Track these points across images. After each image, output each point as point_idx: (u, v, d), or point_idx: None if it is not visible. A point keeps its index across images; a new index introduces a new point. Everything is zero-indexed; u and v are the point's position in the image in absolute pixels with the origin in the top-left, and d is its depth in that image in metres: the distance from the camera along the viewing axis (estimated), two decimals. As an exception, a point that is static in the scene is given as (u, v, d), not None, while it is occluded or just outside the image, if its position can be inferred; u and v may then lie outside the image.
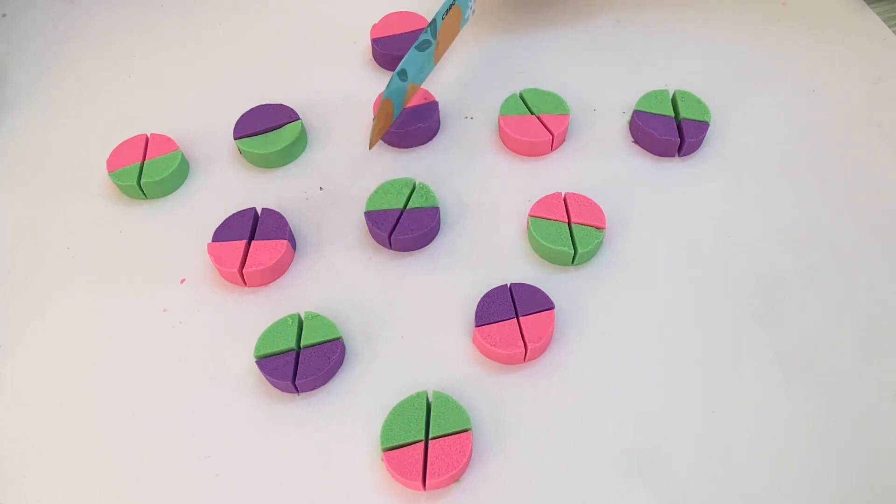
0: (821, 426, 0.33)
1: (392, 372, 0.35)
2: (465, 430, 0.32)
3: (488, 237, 0.39)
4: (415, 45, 0.39)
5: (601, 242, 0.38)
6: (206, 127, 0.43)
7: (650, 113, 0.42)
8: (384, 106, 0.38)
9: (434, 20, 0.40)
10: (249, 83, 0.45)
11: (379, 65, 0.46)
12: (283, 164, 0.42)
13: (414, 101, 0.42)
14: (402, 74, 0.39)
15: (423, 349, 0.35)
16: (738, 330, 0.36)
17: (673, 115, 0.42)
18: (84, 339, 0.36)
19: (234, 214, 0.38)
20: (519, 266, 0.38)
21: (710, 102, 0.43)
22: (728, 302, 0.37)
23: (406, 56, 0.39)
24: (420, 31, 0.46)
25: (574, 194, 0.39)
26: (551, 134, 0.41)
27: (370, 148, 0.40)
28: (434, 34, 0.40)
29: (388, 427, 0.32)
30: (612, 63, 0.47)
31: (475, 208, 0.40)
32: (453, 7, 0.41)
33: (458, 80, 0.46)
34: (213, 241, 0.37)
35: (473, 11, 0.45)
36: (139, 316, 0.36)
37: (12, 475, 0.32)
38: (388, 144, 0.43)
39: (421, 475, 0.30)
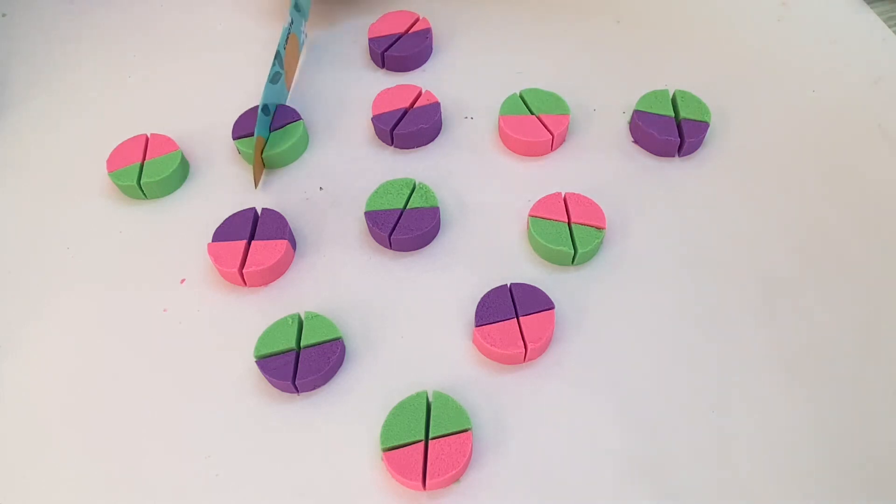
0: (822, 426, 0.33)
1: (392, 372, 0.35)
2: (465, 430, 0.32)
3: (488, 237, 0.39)
4: (268, 78, 0.41)
5: (601, 242, 0.38)
6: (206, 127, 0.43)
7: (650, 113, 0.42)
8: (258, 143, 0.40)
9: (278, 52, 0.42)
10: (249, 83, 0.45)
11: (376, 65, 0.46)
12: (284, 165, 0.42)
13: (417, 103, 0.42)
14: (266, 109, 0.41)
15: (423, 349, 0.35)
16: (739, 330, 0.36)
17: (673, 115, 0.42)
18: (84, 339, 0.36)
19: (234, 214, 0.38)
20: (519, 266, 0.38)
21: (710, 102, 0.43)
22: (728, 302, 0.37)
23: (263, 92, 0.41)
24: (419, 30, 0.46)
25: (574, 194, 0.39)
26: (551, 134, 0.41)
27: (255, 187, 0.40)
28: (281, 65, 0.42)
29: (388, 427, 0.32)
30: (612, 63, 0.46)
31: (475, 208, 0.40)
32: (290, 36, 0.43)
33: (458, 80, 0.46)
34: (213, 241, 0.37)
35: (306, 36, 0.47)
36: (139, 316, 0.37)
37: (12, 475, 0.32)
38: (390, 145, 0.42)
39: (421, 475, 0.30)
